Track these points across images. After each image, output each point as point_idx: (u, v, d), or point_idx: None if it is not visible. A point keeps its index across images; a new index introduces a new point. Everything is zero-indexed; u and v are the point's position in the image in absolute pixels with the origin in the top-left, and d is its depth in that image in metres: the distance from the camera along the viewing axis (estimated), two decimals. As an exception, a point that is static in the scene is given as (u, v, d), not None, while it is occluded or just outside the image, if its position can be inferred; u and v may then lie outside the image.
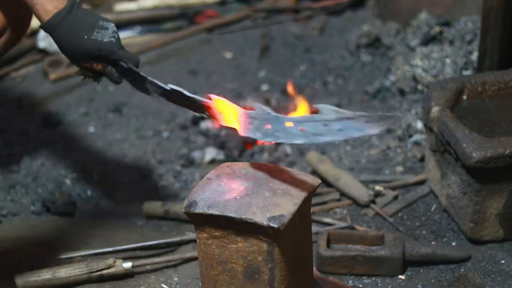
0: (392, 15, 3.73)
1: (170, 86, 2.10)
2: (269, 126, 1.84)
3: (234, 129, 1.92)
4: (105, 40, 2.15)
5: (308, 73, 3.69)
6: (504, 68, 2.78)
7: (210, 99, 1.97)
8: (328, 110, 1.71)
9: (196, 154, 3.12)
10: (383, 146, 3.06)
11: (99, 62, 2.17)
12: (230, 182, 1.91)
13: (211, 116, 1.99)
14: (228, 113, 1.95)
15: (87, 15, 2.15)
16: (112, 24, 2.18)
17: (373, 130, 1.66)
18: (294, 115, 1.93)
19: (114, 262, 2.37)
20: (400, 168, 2.92)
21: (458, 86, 2.62)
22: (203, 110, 2.00)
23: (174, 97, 2.09)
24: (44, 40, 3.71)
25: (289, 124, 1.78)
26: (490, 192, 2.40)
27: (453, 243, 2.51)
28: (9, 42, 2.28)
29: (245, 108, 1.92)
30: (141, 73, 2.15)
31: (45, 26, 2.12)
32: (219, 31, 3.97)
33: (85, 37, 2.12)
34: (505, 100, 2.61)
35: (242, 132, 1.90)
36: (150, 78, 2.14)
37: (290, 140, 1.79)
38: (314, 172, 2.86)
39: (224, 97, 1.97)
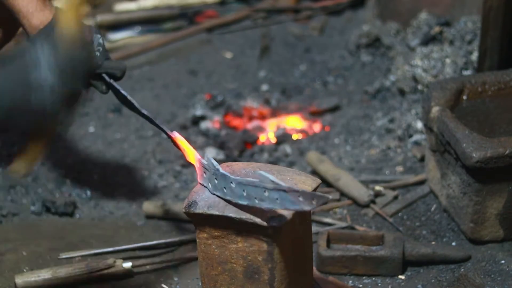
0: (392, 15, 3.73)
1: (144, 111, 2.10)
2: (217, 181, 1.87)
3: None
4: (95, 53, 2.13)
5: (308, 73, 3.69)
6: (504, 68, 2.78)
7: (173, 135, 2.02)
8: (266, 178, 1.74)
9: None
10: (383, 146, 3.06)
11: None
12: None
13: (177, 147, 2.03)
14: (188, 153, 1.99)
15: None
16: (98, 36, 2.13)
17: (307, 206, 1.68)
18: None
19: (114, 262, 2.37)
20: (400, 168, 2.92)
21: (458, 86, 2.62)
22: (172, 141, 2.04)
23: (147, 119, 2.11)
24: (44, 40, 3.71)
25: (234, 184, 1.82)
26: (490, 192, 2.40)
27: (453, 243, 2.51)
28: (5, 35, 2.26)
29: (199, 156, 1.95)
30: (121, 91, 2.11)
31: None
32: (219, 31, 3.97)
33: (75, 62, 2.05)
34: (505, 100, 2.61)
35: (198, 177, 1.94)
36: (129, 97, 2.12)
37: (235, 199, 1.82)
38: (314, 172, 2.87)
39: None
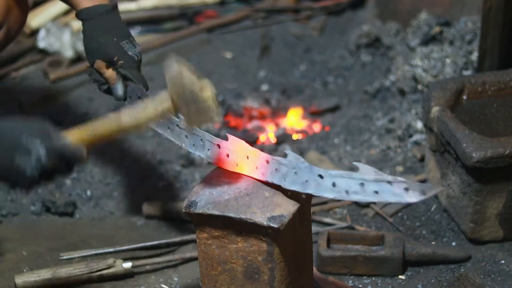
0: (392, 15, 3.74)
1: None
2: (297, 175, 1.82)
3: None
4: (130, 53, 2.12)
5: (308, 73, 3.69)
6: (504, 68, 2.78)
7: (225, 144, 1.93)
8: (367, 169, 1.71)
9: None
10: (383, 146, 3.06)
11: (112, 67, 2.11)
12: (230, 182, 1.91)
13: (216, 161, 1.94)
14: (252, 153, 1.89)
15: (124, 25, 2.15)
16: (140, 47, 2.15)
17: (412, 198, 1.65)
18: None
19: (114, 262, 2.37)
20: (400, 168, 2.92)
21: (458, 86, 2.62)
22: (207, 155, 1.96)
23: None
24: (44, 40, 3.71)
25: (323, 176, 1.78)
26: (490, 192, 2.40)
27: (453, 243, 2.51)
28: (7, 38, 2.26)
29: (268, 154, 1.88)
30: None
31: (82, 12, 2.12)
32: (219, 31, 3.97)
33: (115, 39, 2.10)
34: (505, 100, 2.61)
35: (264, 176, 1.87)
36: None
37: (320, 192, 1.78)
38: (314, 172, 2.86)
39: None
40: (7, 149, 1.75)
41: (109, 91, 2.15)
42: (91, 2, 2.14)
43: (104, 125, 1.86)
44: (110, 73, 2.11)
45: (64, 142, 1.81)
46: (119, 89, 2.11)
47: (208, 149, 1.96)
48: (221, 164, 1.94)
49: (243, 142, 1.91)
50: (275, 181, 1.85)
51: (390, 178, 1.68)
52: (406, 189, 1.67)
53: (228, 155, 1.93)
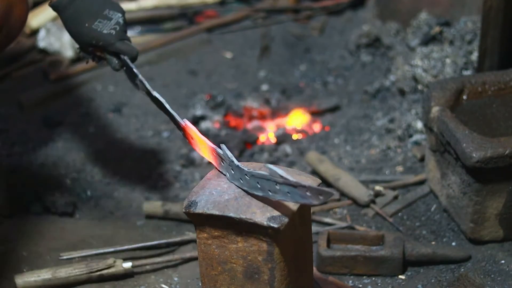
0: (392, 15, 3.74)
1: (155, 93, 2.12)
2: (233, 172, 1.89)
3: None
4: (105, 31, 2.20)
5: (308, 73, 3.69)
6: (504, 68, 2.78)
7: (184, 123, 2.02)
8: (275, 172, 1.75)
9: (196, 154, 3.12)
10: (383, 146, 3.06)
11: (98, 50, 2.23)
12: (230, 182, 1.92)
13: (186, 137, 2.04)
14: (200, 143, 1.99)
15: (95, 1, 2.18)
16: (119, 15, 2.22)
17: (314, 201, 1.71)
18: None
19: (114, 262, 2.37)
20: (400, 168, 2.92)
21: (458, 86, 2.62)
22: (180, 128, 2.05)
23: (156, 103, 2.14)
24: (44, 40, 3.71)
25: (248, 176, 1.84)
26: (490, 192, 2.40)
27: (453, 243, 2.51)
28: (7, 38, 2.26)
29: (213, 145, 1.96)
30: (134, 69, 2.20)
31: (53, 5, 2.17)
32: (219, 31, 3.97)
33: (86, 24, 2.18)
34: (505, 100, 2.61)
35: (215, 165, 1.95)
36: (140, 77, 2.19)
37: (252, 190, 1.84)
38: (314, 172, 2.87)
39: (193, 124, 2.02)
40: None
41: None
42: None
43: None
44: (100, 53, 2.26)
45: None
46: (113, 63, 2.25)
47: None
48: (192, 145, 2.03)
49: (194, 130, 2.01)
50: (223, 172, 1.92)
51: (293, 181, 1.72)
52: (307, 192, 1.71)
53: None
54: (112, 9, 2.22)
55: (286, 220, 1.80)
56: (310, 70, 3.70)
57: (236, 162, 1.87)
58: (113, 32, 2.19)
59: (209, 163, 3.07)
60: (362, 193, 2.69)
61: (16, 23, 2.23)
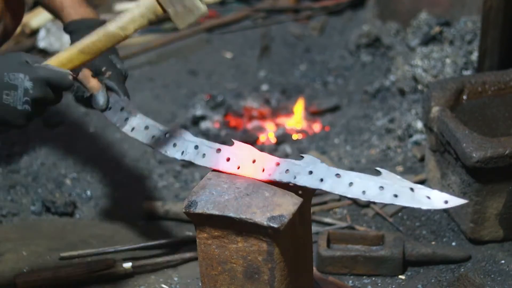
0: (392, 15, 3.74)
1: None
2: (314, 173, 1.84)
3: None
4: (118, 66, 2.09)
5: (308, 73, 3.69)
6: (504, 68, 2.78)
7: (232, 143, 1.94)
8: (390, 175, 1.76)
9: (196, 154, 3.12)
10: (383, 146, 3.06)
11: (97, 77, 2.07)
12: (230, 182, 1.91)
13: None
14: (248, 159, 1.89)
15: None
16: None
17: (433, 206, 1.72)
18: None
19: (114, 262, 2.37)
20: (400, 168, 2.92)
21: (458, 86, 2.62)
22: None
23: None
24: (44, 40, 3.71)
25: (340, 175, 1.82)
26: (490, 192, 2.40)
27: (453, 243, 2.51)
28: (4, 34, 2.25)
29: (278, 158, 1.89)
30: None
31: (70, 25, 2.12)
32: (219, 31, 3.98)
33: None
34: (505, 100, 2.61)
35: (265, 176, 1.87)
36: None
37: (333, 189, 1.81)
38: (314, 172, 2.86)
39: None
40: None
41: (85, 101, 2.08)
42: (79, 15, 2.13)
43: (88, 40, 1.84)
44: (94, 82, 2.05)
45: (47, 69, 1.77)
46: (101, 98, 2.05)
47: (204, 154, 1.96)
48: (219, 167, 1.93)
49: (250, 146, 1.92)
50: (284, 180, 1.86)
51: (412, 185, 1.73)
52: (428, 197, 1.72)
53: (228, 159, 1.93)
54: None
55: (286, 220, 1.79)
56: (310, 70, 3.70)
57: (324, 163, 1.83)
58: (123, 72, 2.06)
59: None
60: (362, 193, 2.69)
61: (12, 18, 2.21)
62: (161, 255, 2.50)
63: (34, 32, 3.78)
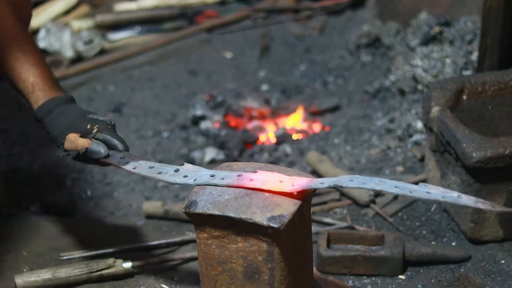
0: (392, 15, 3.74)
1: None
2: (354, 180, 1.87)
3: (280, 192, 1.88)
4: (101, 118, 2.09)
5: (308, 73, 3.69)
6: (504, 68, 2.78)
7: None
8: (434, 187, 1.82)
9: (196, 154, 3.12)
10: (383, 146, 3.06)
11: (86, 136, 2.06)
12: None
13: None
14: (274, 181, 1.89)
15: (86, 110, 2.14)
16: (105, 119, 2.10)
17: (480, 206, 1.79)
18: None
19: (114, 262, 2.37)
20: (400, 168, 2.92)
21: (458, 86, 2.62)
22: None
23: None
24: (44, 40, 3.71)
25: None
26: (490, 192, 2.40)
27: (453, 243, 2.51)
28: None
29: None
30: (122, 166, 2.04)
31: (38, 111, 2.11)
32: (219, 31, 3.97)
33: (80, 115, 2.09)
34: (505, 100, 2.61)
35: (289, 189, 1.86)
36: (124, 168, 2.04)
37: (380, 187, 1.89)
38: (314, 172, 2.86)
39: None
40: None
41: (82, 157, 2.06)
42: (47, 97, 2.12)
43: None
44: (82, 141, 2.04)
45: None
46: (98, 147, 2.03)
47: (223, 178, 1.93)
48: (241, 186, 1.90)
49: (276, 174, 1.89)
50: (312, 186, 1.87)
51: (457, 193, 1.80)
52: (476, 202, 1.78)
53: (251, 179, 1.90)
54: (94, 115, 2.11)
55: (286, 220, 1.79)
56: (310, 70, 3.70)
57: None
58: (109, 122, 2.08)
59: (208, 163, 3.07)
60: (362, 193, 2.69)
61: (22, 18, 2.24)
62: (161, 255, 2.50)
63: (34, 32, 3.78)
